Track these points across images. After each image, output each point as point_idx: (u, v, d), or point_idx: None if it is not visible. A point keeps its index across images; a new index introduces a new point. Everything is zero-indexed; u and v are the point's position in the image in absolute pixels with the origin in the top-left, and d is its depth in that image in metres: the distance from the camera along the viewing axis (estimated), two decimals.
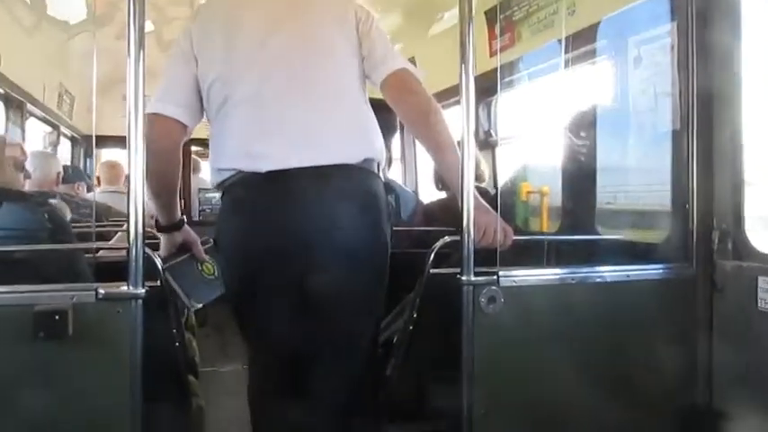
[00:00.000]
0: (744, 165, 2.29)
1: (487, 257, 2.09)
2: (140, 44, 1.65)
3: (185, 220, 2.32)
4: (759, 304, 2.14)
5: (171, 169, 2.16)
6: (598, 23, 3.01)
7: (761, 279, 2.14)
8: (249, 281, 2.07)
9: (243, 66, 2.10)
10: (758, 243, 2.20)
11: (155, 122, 2.02)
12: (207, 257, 2.30)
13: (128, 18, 1.66)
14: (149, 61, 1.68)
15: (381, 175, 2.20)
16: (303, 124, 2.05)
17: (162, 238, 2.29)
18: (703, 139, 2.35)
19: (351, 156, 2.06)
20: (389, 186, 3.27)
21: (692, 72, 2.39)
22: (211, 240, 2.30)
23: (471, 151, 1.97)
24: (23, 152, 2.58)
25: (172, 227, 2.27)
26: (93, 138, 5.84)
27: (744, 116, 2.27)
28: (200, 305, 2.26)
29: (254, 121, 2.07)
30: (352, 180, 2.06)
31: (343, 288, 2.01)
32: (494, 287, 2.04)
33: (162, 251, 2.26)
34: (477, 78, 1.99)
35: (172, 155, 2.14)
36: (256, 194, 2.04)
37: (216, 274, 2.29)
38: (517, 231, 2.29)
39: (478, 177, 3.76)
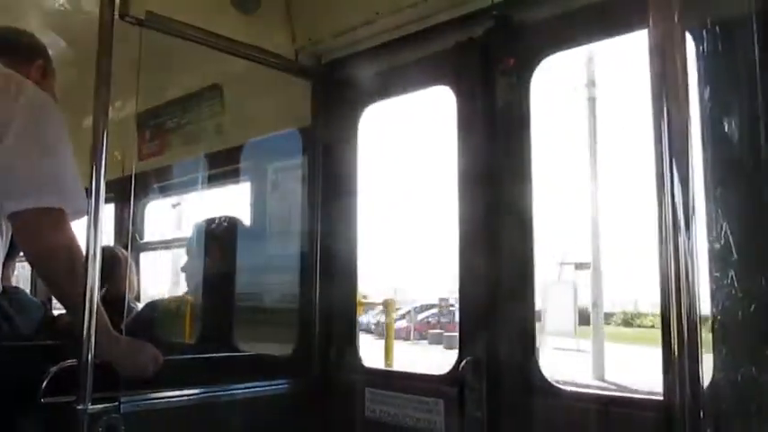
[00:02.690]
0: (358, 284, 2.63)
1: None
2: None
3: None
4: (366, 413, 2.43)
5: None
6: (243, 146, 3.23)
7: (368, 390, 2.44)
8: None
9: None
10: (365, 358, 2.52)
11: None
12: None
13: None
14: None
15: None
16: None
17: None
18: (324, 262, 2.65)
19: None
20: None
21: (318, 203, 2.70)
22: None
23: (98, 262, 1.87)
24: None
25: None
26: None
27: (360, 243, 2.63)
28: None
29: None
30: None
31: None
32: (114, 415, 1.91)
33: None
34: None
35: None
36: None
37: None
38: (162, 343, 2.23)
39: (130, 285, 3.53)
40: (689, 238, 0.88)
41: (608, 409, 1.82)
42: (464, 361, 2.19)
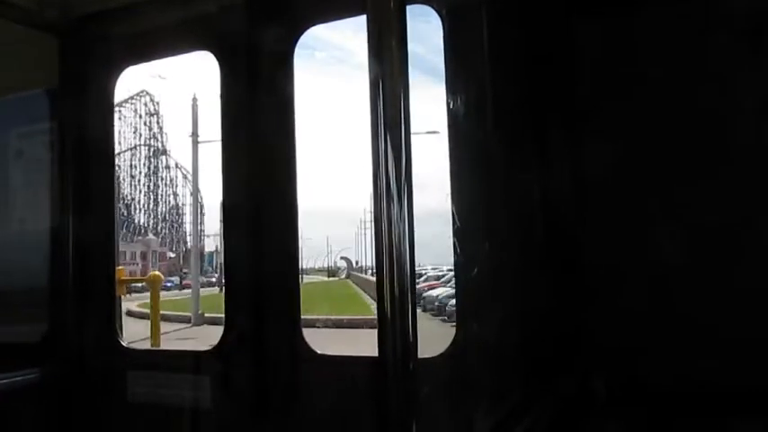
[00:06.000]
0: (116, 260, 2.44)
1: None
2: None
3: None
4: (129, 397, 2.28)
5: None
6: None
7: (130, 373, 2.29)
8: None
9: None
10: (125, 340, 2.36)
11: None
12: None
13: None
14: None
15: None
16: None
17: None
18: (79, 237, 2.42)
19: None
20: None
21: (69, 172, 2.45)
22: None
23: None
24: None
25: None
26: None
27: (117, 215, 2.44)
28: None
29: None
30: None
31: None
32: None
33: None
34: None
35: None
36: None
37: None
38: None
39: None
40: (401, 207, 0.93)
41: (357, 368, 1.92)
42: (229, 336, 2.15)
